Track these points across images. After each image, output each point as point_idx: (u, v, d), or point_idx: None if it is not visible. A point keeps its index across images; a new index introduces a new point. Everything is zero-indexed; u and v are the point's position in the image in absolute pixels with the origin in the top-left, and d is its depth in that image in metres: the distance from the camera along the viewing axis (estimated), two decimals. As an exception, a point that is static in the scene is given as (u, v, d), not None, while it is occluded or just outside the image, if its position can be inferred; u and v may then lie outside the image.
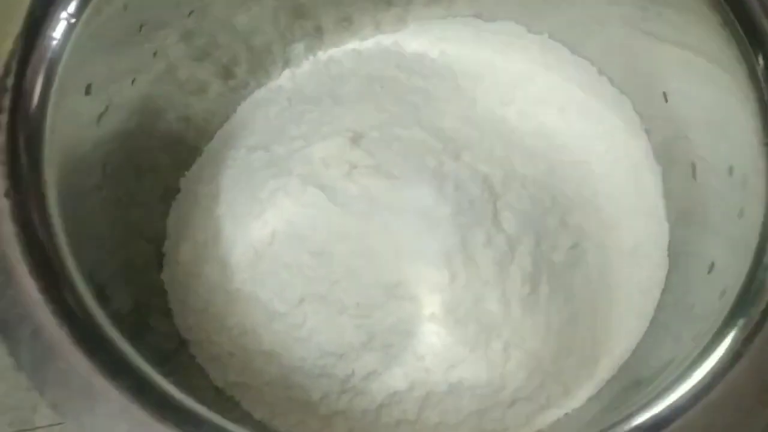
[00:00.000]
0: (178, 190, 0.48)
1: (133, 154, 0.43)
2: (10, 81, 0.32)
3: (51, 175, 0.33)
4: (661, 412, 0.32)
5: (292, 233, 0.43)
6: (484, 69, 0.51)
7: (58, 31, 0.34)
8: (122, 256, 0.43)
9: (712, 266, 0.40)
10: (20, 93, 0.33)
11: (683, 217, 0.46)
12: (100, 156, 0.40)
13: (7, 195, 0.31)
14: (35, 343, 0.30)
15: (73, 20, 0.34)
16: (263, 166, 0.46)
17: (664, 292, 0.46)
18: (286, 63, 0.51)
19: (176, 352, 0.45)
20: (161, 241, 0.47)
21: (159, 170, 0.47)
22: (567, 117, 0.50)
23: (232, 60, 0.49)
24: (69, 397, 0.29)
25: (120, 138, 0.41)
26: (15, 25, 0.34)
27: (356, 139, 0.45)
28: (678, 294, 0.44)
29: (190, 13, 0.43)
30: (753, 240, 0.35)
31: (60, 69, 0.34)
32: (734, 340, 0.32)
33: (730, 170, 0.40)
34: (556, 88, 0.50)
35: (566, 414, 0.43)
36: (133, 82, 0.41)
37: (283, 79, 0.51)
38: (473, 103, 0.50)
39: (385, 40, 0.52)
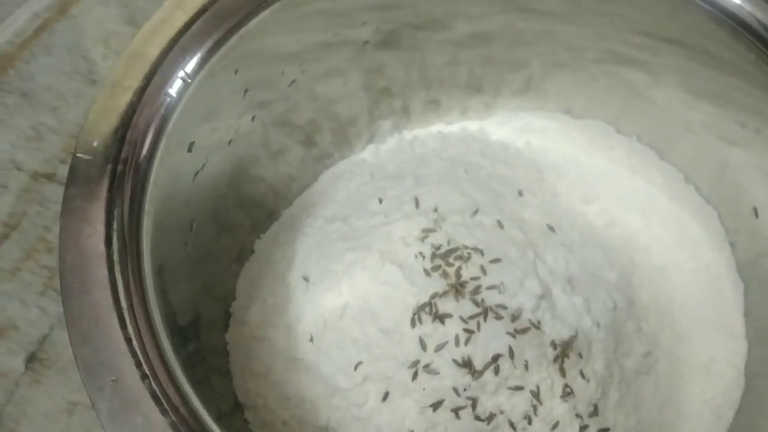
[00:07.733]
0: (252, 252, 0.48)
1: (218, 213, 0.44)
2: (124, 132, 0.33)
3: (148, 226, 0.34)
4: None
5: (364, 308, 0.42)
6: (568, 164, 0.50)
7: (174, 89, 0.35)
8: (192, 312, 0.42)
9: (793, 395, 0.38)
10: (133, 145, 0.33)
11: (765, 337, 0.44)
12: (190, 212, 0.40)
13: (108, 243, 0.30)
14: (115, 393, 0.29)
15: (189, 80, 0.35)
16: (341, 238, 0.45)
17: (737, 414, 0.43)
18: (371, 138, 0.52)
19: (230, 415, 0.44)
20: (230, 301, 0.46)
21: (237, 231, 0.47)
22: (649, 221, 0.49)
23: (318, 130, 0.49)
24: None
25: (209, 196, 0.42)
26: (134, 79, 0.35)
27: (438, 222, 0.44)
28: (753, 418, 0.42)
29: (291, 83, 0.44)
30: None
31: (170, 126, 0.35)
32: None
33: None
34: (639, 191, 0.49)
35: None
36: (230, 143, 0.42)
37: (367, 153, 0.52)
38: (555, 196, 0.49)
39: (471, 125, 0.52)
